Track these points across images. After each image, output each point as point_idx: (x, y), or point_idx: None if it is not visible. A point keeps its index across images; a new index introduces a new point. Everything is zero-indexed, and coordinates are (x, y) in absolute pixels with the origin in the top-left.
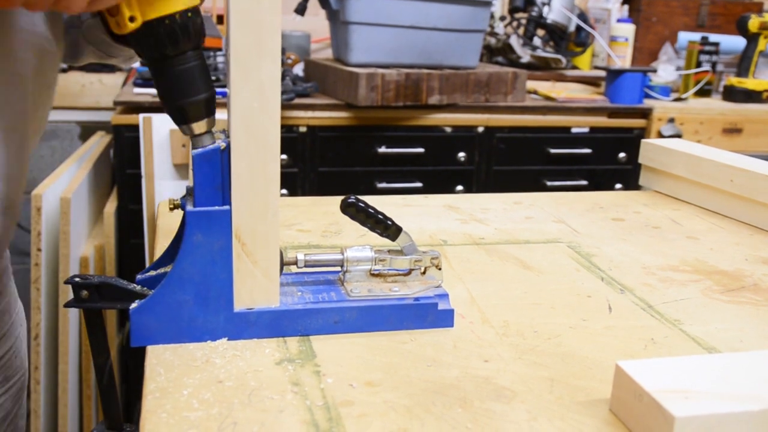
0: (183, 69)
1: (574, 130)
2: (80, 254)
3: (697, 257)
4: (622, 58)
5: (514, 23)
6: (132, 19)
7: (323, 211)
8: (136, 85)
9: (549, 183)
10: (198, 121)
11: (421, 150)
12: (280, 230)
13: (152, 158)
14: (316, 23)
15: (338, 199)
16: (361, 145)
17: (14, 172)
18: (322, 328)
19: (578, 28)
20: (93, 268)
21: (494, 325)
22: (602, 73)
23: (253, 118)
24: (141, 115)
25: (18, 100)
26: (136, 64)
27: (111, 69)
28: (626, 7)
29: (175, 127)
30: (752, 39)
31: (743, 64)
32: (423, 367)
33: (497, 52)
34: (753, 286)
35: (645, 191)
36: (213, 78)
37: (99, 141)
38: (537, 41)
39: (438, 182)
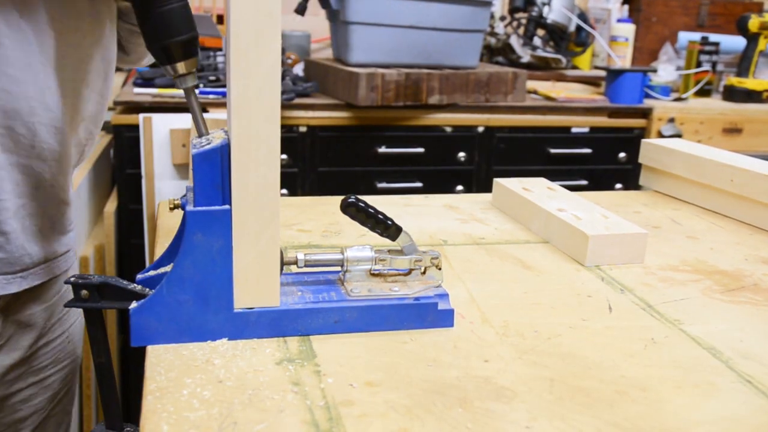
0: (167, 10)
1: (574, 130)
2: (80, 254)
3: (697, 257)
4: (622, 58)
5: (514, 23)
6: None
7: (323, 211)
8: (136, 85)
9: None
10: (181, 61)
11: (421, 150)
12: (280, 230)
13: (152, 158)
14: (316, 23)
15: (338, 198)
16: (361, 145)
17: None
18: (323, 327)
19: (578, 28)
20: (93, 268)
21: (494, 325)
22: (602, 73)
23: (253, 118)
24: (141, 115)
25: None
26: None
27: None
28: (626, 7)
29: (175, 126)
30: (752, 39)
31: (743, 64)
32: (423, 367)
33: (497, 52)
34: (753, 285)
35: (645, 191)
36: (213, 78)
37: (99, 141)
38: (537, 41)
39: (438, 182)
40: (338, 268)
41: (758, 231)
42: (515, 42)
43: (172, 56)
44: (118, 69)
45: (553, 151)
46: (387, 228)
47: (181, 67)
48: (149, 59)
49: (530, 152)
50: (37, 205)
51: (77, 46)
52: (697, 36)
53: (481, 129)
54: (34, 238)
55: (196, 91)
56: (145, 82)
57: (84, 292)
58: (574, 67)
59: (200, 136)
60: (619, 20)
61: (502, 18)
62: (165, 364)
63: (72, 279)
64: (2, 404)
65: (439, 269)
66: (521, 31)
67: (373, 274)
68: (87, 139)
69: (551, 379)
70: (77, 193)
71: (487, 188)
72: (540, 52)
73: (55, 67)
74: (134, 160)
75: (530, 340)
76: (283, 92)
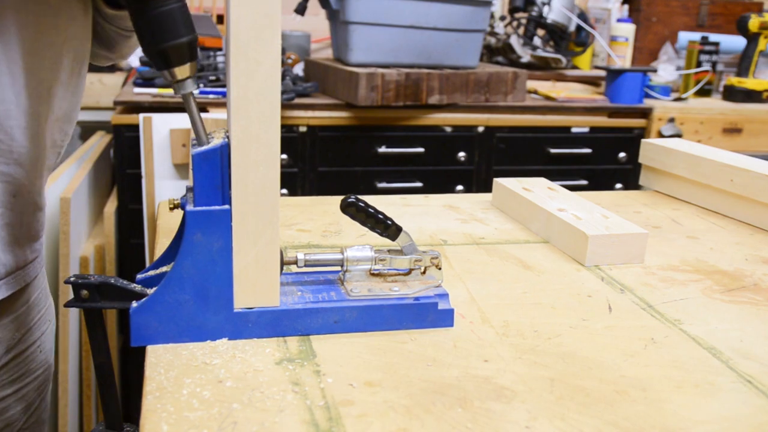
0: (164, 11)
1: (574, 129)
2: (80, 254)
3: (698, 257)
4: (622, 58)
5: (514, 23)
6: None
7: (323, 211)
8: (136, 85)
9: None
10: (180, 66)
11: (421, 150)
12: (280, 230)
13: (152, 158)
14: (316, 23)
15: (338, 198)
16: (361, 145)
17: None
18: (322, 327)
19: (578, 28)
20: (93, 268)
21: (494, 324)
22: (602, 73)
23: (253, 118)
24: (141, 115)
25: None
26: (136, 63)
27: (111, 69)
28: (626, 6)
29: (175, 126)
30: (752, 39)
31: (743, 63)
32: (423, 366)
33: (497, 51)
34: (753, 285)
35: (645, 191)
36: (213, 78)
37: (99, 141)
38: (537, 41)
39: (438, 182)
40: (338, 268)
41: (758, 231)
42: (515, 42)
43: (169, 61)
44: (96, 69)
45: (553, 151)
46: (387, 228)
47: (179, 72)
48: (134, 54)
49: (530, 152)
50: (14, 214)
51: (51, 45)
52: (697, 36)
53: (481, 129)
54: (8, 246)
55: (196, 91)
56: (145, 82)
57: (84, 292)
58: (574, 67)
59: (200, 144)
60: (619, 20)
61: (502, 18)
62: (165, 364)
63: (72, 279)
64: None
65: (439, 269)
66: (521, 31)
67: (373, 274)
68: (62, 140)
69: (551, 378)
70: (77, 193)
71: (487, 188)
72: (540, 52)
73: (30, 68)
74: (134, 160)
75: (530, 339)
76: (283, 92)
